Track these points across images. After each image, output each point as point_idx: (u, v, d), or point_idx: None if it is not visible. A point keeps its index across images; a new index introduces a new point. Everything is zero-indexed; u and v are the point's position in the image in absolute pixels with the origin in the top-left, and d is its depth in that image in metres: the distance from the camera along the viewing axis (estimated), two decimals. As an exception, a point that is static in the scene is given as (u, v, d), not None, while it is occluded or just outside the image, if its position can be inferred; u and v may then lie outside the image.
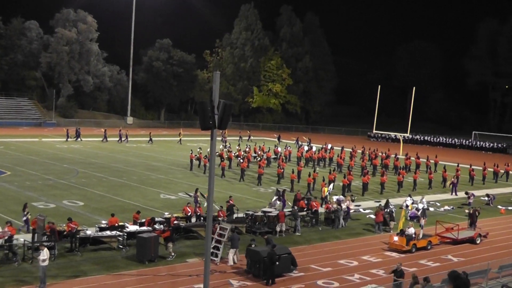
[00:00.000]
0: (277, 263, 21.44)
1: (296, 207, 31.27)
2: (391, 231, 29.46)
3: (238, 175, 44.59)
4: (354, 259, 24.79)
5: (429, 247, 26.94)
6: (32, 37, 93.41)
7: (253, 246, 22.84)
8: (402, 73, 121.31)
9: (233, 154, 51.16)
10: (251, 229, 27.95)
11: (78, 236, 23.81)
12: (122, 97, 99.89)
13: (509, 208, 38.36)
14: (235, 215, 29.05)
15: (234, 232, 23.97)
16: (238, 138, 72.98)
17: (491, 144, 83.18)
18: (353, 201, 34.38)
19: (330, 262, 24.25)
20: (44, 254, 19.80)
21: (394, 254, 25.95)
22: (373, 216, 31.81)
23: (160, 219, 26.95)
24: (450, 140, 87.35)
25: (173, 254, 23.56)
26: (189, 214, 28.32)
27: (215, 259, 23.37)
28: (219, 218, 26.69)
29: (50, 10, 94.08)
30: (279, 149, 58.70)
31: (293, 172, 41.79)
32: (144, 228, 25.37)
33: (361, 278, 22.29)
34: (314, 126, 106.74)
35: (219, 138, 66.47)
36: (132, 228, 25.41)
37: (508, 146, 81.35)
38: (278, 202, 32.67)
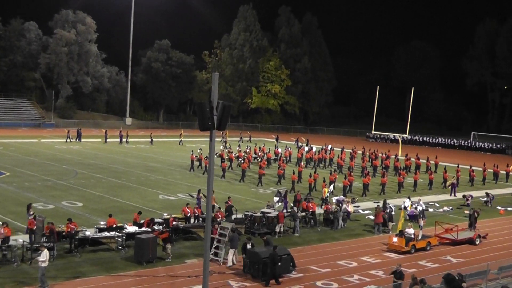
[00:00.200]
0: (279, 263, 21.44)
1: (295, 208, 31.26)
2: (390, 232, 29.45)
3: (238, 176, 44.57)
4: (353, 260, 24.77)
5: (428, 248, 26.92)
6: (31, 38, 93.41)
7: (249, 245, 22.76)
8: (401, 73, 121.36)
9: (233, 155, 51.21)
10: (250, 230, 27.92)
11: (77, 237, 23.78)
12: (121, 98, 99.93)
13: (508, 209, 38.36)
14: (234, 216, 29.02)
15: (235, 232, 23.94)
16: (239, 139, 72.99)
17: (490, 145, 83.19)
18: (353, 203, 34.30)
19: (329, 263, 24.23)
20: (44, 255, 19.78)
21: (393, 255, 25.94)
22: (372, 217, 31.80)
23: (159, 220, 26.93)
24: (449, 140, 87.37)
25: (170, 256, 23.45)
26: (188, 215, 28.30)
27: (218, 259, 23.39)
28: (217, 219, 26.66)
29: (49, 11, 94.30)
30: (280, 150, 58.70)
31: (293, 173, 41.80)
32: (143, 229, 25.34)
33: (360, 279, 22.27)
34: (312, 127, 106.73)
35: (220, 139, 66.51)
36: (131, 229, 25.37)
37: (507, 147, 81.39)
38: (280, 203, 32.68)
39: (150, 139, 67.65)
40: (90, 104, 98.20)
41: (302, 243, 27.13)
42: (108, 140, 66.62)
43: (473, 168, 49.74)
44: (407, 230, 26.99)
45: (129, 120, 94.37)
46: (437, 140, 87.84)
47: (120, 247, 24.19)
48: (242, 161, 47.87)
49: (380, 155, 57.27)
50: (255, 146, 59.92)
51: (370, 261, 24.84)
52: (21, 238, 23.74)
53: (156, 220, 26.50)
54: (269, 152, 55.64)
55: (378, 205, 32.21)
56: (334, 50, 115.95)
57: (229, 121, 16.46)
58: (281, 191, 34.20)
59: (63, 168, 45.94)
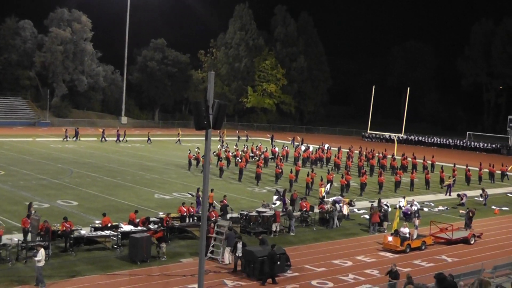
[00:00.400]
0: (278, 262, 21.44)
1: (291, 207, 31.27)
2: (385, 231, 29.50)
3: (236, 175, 44.58)
4: (348, 259, 24.80)
5: (423, 247, 26.97)
6: (26, 36, 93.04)
7: (239, 244, 22.62)
8: (397, 73, 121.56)
9: (230, 154, 51.23)
10: (246, 229, 27.92)
11: (72, 236, 23.73)
12: (116, 97, 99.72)
13: (503, 208, 38.49)
14: (229, 215, 28.99)
15: (231, 231, 23.92)
16: (236, 138, 73.00)
17: (485, 145, 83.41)
18: (351, 205, 34.21)
19: (324, 262, 24.25)
20: (40, 254, 19.74)
21: (388, 254, 25.98)
22: (367, 217, 31.80)
23: (154, 219, 26.89)
24: (444, 140, 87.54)
25: (165, 256, 23.41)
26: (184, 214, 28.27)
27: (217, 257, 23.42)
28: (212, 219, 26.63)
29: (45, 10, 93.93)
30: (277, 149, 58.79)
31: (291, 172, 41.84)
32: (139, 228, 25.30)
33: (355, 278, 22.30)
34: (308, 126, 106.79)
35: (217, 138, 66.52)
36: (126, 228, 25.33)
37: (502, 147, 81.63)
38: (279, 202, 32.66)
39: (147, 138, 67.50)
40: (85, 103, 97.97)
41: (297, 242, 27.14)
42: (105, 139, 66.45)
43: (469, 167, 49.82)
44: (402, 229, 27.03)
45: (124, 119, 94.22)
46: (432, 139, 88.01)
47: (115, 246, 24.16)
48: (240, 160, 47.88)
49: (377, 154, 57.35)
50: (252, 145, 59.94)
51: (365, 260, 24.88)
52: (16, 237, 23.67)
53: (151, 219, 26.48)
54: (266, 151, 55.70)
55: (372, 205, 32.22)
56: (330, 49, 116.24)
57: (224, 120, 16.48)
58: (279, 190, 34.17)
59: (58, 167, 45.83)
